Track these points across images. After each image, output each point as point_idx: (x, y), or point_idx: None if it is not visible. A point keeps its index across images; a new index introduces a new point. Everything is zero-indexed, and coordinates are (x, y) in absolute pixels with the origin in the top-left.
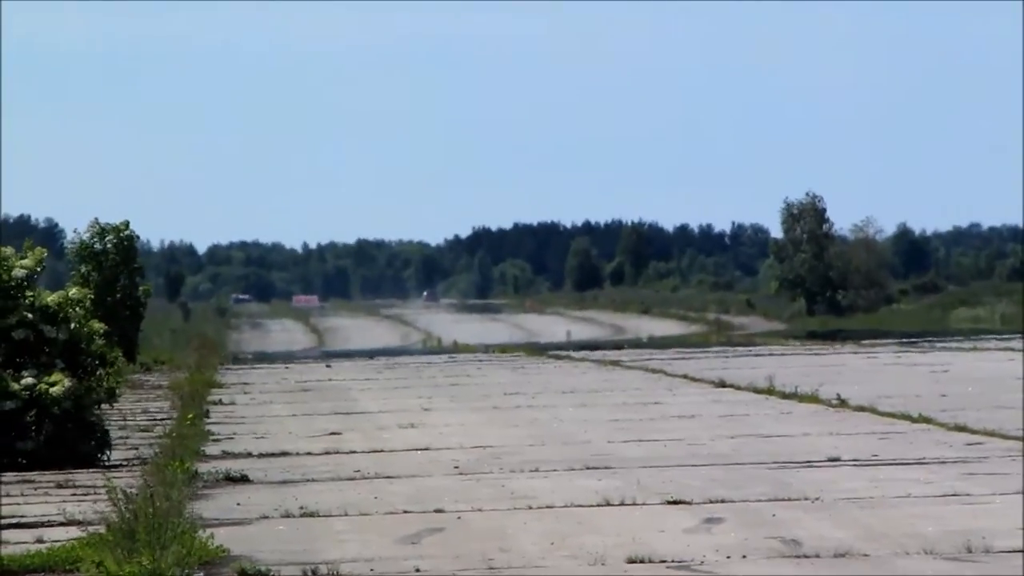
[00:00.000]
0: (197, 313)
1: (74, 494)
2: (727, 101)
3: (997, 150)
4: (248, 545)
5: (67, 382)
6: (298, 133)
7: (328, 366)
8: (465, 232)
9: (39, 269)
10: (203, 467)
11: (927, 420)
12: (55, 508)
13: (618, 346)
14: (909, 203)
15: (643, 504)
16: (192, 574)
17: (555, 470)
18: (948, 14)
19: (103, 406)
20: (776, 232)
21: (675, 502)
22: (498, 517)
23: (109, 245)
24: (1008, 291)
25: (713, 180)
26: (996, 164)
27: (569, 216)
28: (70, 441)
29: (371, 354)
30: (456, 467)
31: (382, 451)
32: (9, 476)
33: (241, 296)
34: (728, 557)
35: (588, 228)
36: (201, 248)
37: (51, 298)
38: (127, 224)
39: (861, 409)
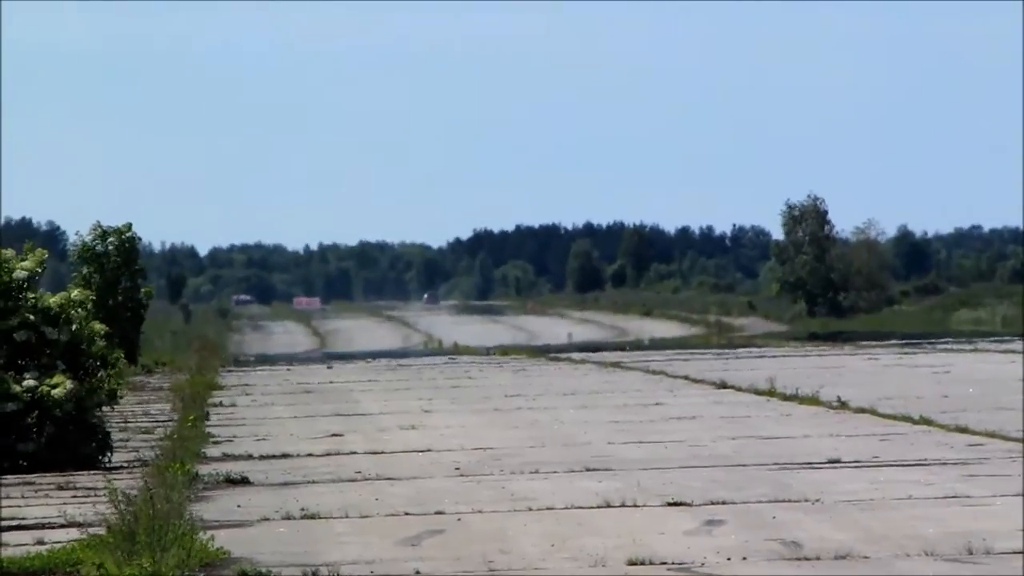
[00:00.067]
0: (198, 315)
1: (75, 496)
2: (728, 102)
3: (998, 151)
4: (249, 547)
5: (69, 384)
6: (299, 134)
7: (329, 368)
8: (466, 234)
9: (40, 271)
10: (204, 469)
11: (928, 422)
12: (56, 510)
13: (619, 348)
14: (910, 205)
15: (644, 506)
16: None
17: (555, 472)
18: (948, 14)
19: (104, 408)
20: (777, 234)
21: (676, 504)
22: (498, 519)
23: (111, 247)
24: (1009, 293)
25: (714, 182)
26: (997, 166)
27: (570, 218)
28: (71, 443)
29: (372, 356)
30: (457, 469)
31: (383, 453)
32: (10, 478)
33: (242, 298)
34: (728, 559)
35: (589, 230)
36: (202, 250)
37: (53, 300)
38: (129, 226)
39: (862, 411)
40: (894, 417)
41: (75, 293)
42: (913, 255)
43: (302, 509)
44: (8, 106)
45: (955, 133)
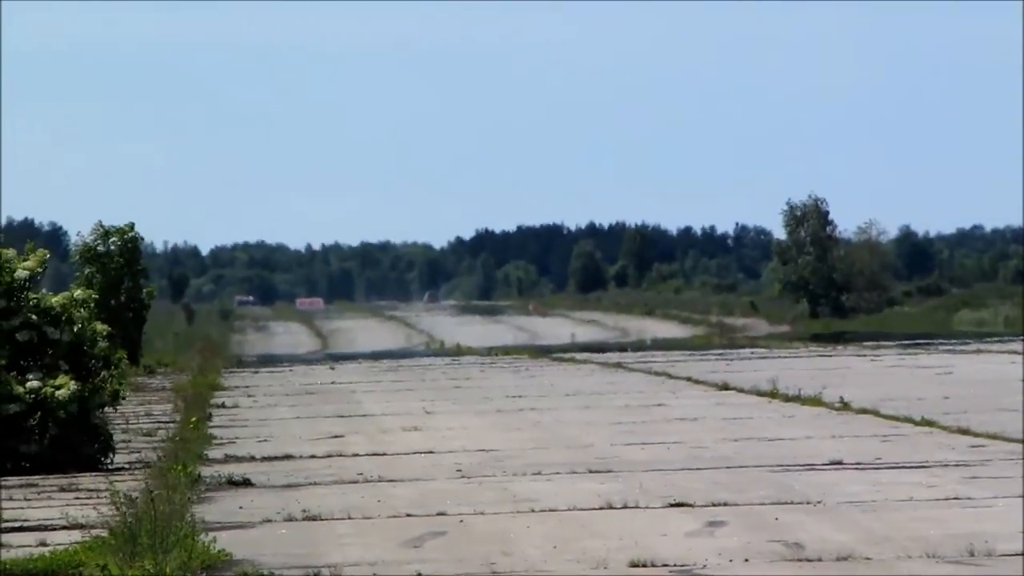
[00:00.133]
0: (201, 316)
1: (77, 498)
2: (730, 103)
3: (1000, 151)
4: (251, 549)
5: (72, 385)
6: (302, 135)
7: (332, 368)
8: (468, 234)
9: (41, 271)
10: (206, 471)
11: (930, 423)
12: (58, 512)
13: (621, 348)
14: (912, 205)
15: (646, 507)
16: None
17: (558, 473)
18: (949, 14)
19: (107, 409)
20: (779, 234)
21: (678, 505)
22: (500, 521)
23: (113, 247)
24: (1011, 293)
25: (716, 182)
26: (999, 166)
27: (573, 218)
28: (74, 444)
29: (374, 356)
30: (459, 470)
31: (385, 454)
32: (12, 480)
33: (245, 298)
34: (730, 560)
35: (592, 230)
36: (205, 250)
37: (55, 299)
38: (131, 226)
39: (864, 412)
40: (896, 418)
41: (78, 292)
42: (915, 255)
43: (304, 511)
44: (9, 106)
45: (957, 133)
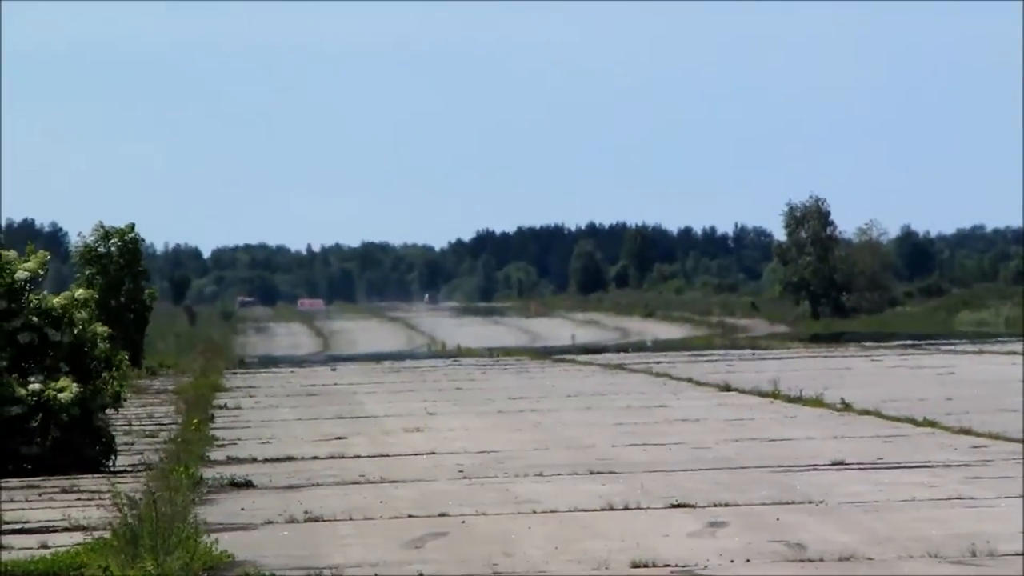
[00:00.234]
0: (203, 317)
1: (79, 499)
2: (730, 103)
3: (1000, 151)
4: (253, 550)
5: (75, 387)
6: (302, 135)
7: (333, 370)
8: (469, 235)
9: (42, 272)
10: (208, 472)
11: (931, 423)
12: (60, 513)
13: (622, 349)
14: (913, 205)
15: (647, 508)
16: None
17: (559, 474)
18: (949, 14)
19: (108, 411)
20: (779, 235)
21: (679, 506)
22: (502, 521)
23: (114, 248)
24: (1012, 294)
25: (716, 183)
26: (999, 166)
27: (573, 219)
28: (76, 446)
29: (376, 358)
30: (460, 471)
31: (387, 455)
32: (13, 481)
33: (246, 299)
34: (732, 561)
35: (592, 231)
36: (206, 251)
37: (56, 300)
38: (132, 227)
39: (866, 412)
40: (898, 419)
41: (79, 292)
42: (916, 255)
43: (306, 512)
44: (9, 106)
45: (957, 133)
